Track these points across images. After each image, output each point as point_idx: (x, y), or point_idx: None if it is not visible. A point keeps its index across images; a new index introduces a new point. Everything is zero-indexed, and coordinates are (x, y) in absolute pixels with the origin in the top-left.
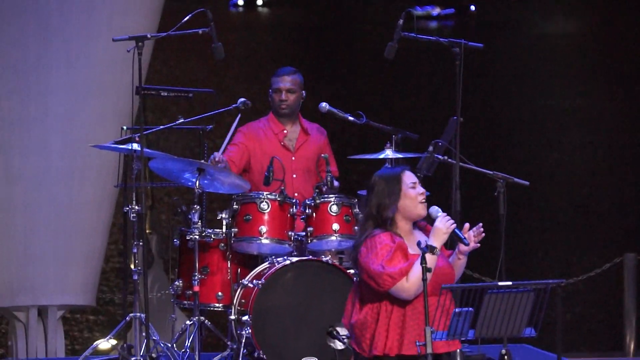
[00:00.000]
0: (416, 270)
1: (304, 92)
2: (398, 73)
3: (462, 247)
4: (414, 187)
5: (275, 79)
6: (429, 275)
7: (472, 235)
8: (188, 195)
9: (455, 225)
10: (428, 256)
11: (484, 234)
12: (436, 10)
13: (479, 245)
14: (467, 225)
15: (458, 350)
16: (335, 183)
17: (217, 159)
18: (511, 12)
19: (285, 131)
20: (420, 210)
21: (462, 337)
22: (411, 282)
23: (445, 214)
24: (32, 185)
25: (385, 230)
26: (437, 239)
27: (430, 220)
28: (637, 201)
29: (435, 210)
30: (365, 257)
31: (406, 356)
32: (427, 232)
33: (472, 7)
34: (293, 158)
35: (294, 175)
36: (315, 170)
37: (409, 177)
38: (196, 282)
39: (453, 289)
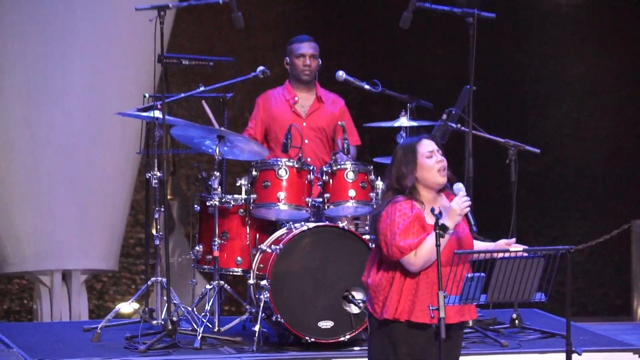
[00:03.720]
0: (426, 245)
1: (320, 60)
2: (413, 42)
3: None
4: (429, 157)
5: (297, 45)
6: (444, 242)
7: (503, 242)
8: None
9: (469, 208)
10: (439, 236)
11: (512, 246)
12: None
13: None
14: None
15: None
16: (352, 150)
17: None
18: None
19: (296, 98)
20: (439, 178)
21: (474, 301)
22: (419, 257)
23: (465, 194)
24: (56, 153)
25: (407, 197)
26: (451, 219)
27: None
28: None
29: (457, 188)
30: (383, 222)
31: (415, 323)
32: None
33: None
34: (304, 124)
35: (306, 141)
36: (328, 136)
37: (424, 147)
38: (216, 247)
39: (466, 254)
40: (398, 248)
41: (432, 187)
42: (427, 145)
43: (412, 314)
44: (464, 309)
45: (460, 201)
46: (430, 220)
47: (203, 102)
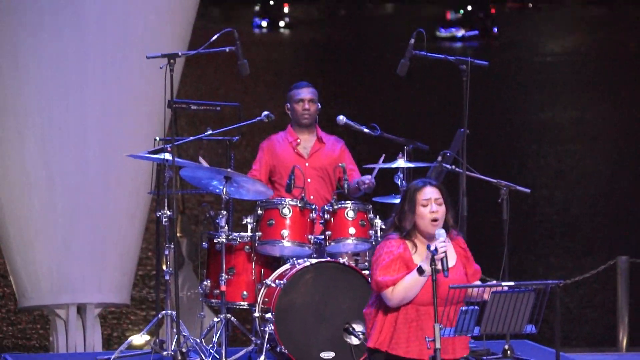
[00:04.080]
0: (403, 283)
1: (319, 104)
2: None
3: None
4: (425, 205)
5: (296, 91)
6: (422, 282)
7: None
8: (216, 202)
9: (444, 254)
10: (415, 276)
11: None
12: (460, 32)
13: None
14: None
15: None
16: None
17: None
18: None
19: (298, 140)
20: (429, 228)
21: (468, 333)
22: (395, 293)
23: (444, 239)
24: (72, 191)
25: (401, 236)
26: (427, 262)
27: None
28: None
29: (438, 234)
30: (374, 256)
31: (392, 355)
32: (456, 244)
33: (495, 29)
34: (307, 164)
35: (309, 180)
36: (329, 175)
37: (423, 194)
38: (223, 282)
39: (461, 288)
40: (376, 282)
41: (424, 234)
42: (426, 193)
43: (389, 345)
44: (455, 348)
45: (436, 246)
46: (418, 261)
47: (200, 157)
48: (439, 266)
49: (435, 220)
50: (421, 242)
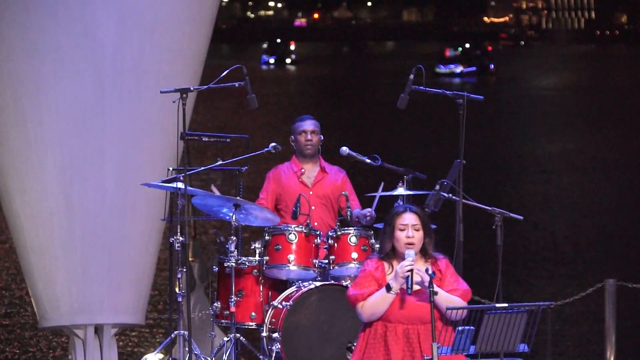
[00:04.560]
0: (372, 299)
1: (321, 135)
2: (409, 121)
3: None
4: (402, 230)
5: (299, 124)
6: (389, 300)
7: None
8: (226, 228)
9: (409, 273)
10: (383, 292)
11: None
12: (459, 68)
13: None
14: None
15: None
16: (361, 212)
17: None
18: (512, 69)
19: (303, 170)
20: (405, 251)
21: (464, 352)
22: (364, 308)
23: (412, 259)
24: (90, 219)
25: (380, 257)
26: (396, 280)
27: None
28: (616, 234)
29: (407, 254)
30: None
31: None
32: (435, 266)
33: (491, 66)
34: (311, 192)
35: (313, 208)
36: (332, 203)
37: (401, 219)
38: (232, 304)
39: (457, 309)
40: (348, 297)
41: (401, 257)
42: (404, 219)
43: None
44: None
45: (403, 264)
46: (390, 280)
47: (212, 186)
48: (403, 284)
49: (410, 244)
50: (398, 263)
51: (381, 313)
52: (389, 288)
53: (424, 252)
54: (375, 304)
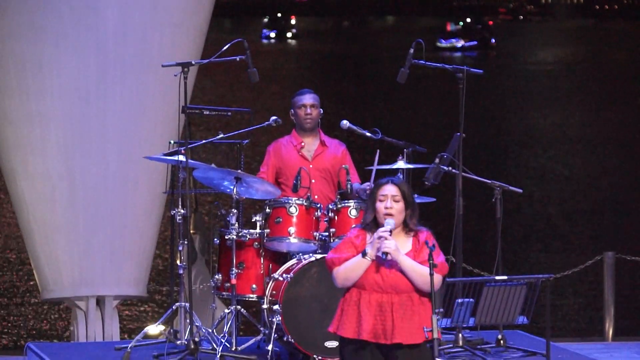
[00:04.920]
0: (347, 264)
1: (321, 109)
2: (409, 95)
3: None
4: (382, 201)
5: (299, 98)
6: (364, 266)
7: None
8: (227, 201)
9: (382, 239)
10: (358, 258)
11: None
12: (460, 43)
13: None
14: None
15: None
16: (355, 185)
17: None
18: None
19: (302, 143)
20: (383, 221)
21: (464, 324)
22: (339, 272)
23: (387, 229)
24: (93, 191)
25: (364, 227)
26: (372, 247)
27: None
28: (615, 208)
29: (386, 222)
30: None
31: (341, 336)
32: (415, 239)
33: (493, 40)
34: (311, 166)
35: (313, 181)
36: (332, 176)
37: (381, 190)
38: (233, 276)
39: (456, 282)
40: (326, 260)
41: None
42: (384, 190)
43: (339, 327)
44: (416, 331)
45: (378, 230)
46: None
47: (213, 164)
48: (376, 251)
49: (388, 214)
50: None
51: (355, 279)
52: (364, 254)
53: (405, 225)
54: (349, 269)
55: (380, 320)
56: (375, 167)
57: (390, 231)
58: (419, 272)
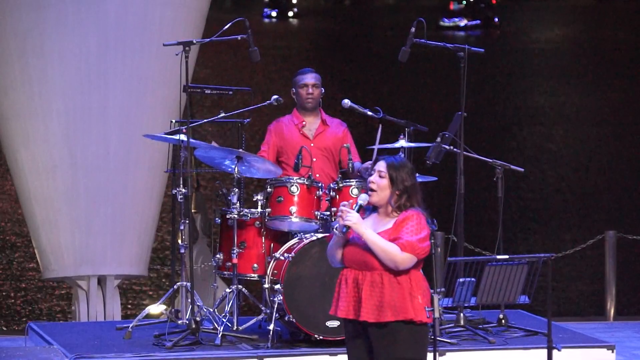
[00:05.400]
0: (330, 242)
1: (322, 88)
2: (411, 74)
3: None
4: (370, 175)
5: (300, 77)
6: (338, 242)
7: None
8: (228, 180)
9: (344, 212)
10: (335, 233)
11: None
12: (463, 22)
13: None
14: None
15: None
16: (357, 165)
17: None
18: (516, 22)
19: (304, 122)
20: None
21: (465, 303)
22: (327, 251)
23: (354, 202)
24: (93, 170)
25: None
26: (338, 220)
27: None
28: (616, 188)
29: (359, 197)
30: None
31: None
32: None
33: (496, 19)
34: (312, 145)
35: (314, 160)
36: (334, 155)
37: (375, 165)
38: (235, 255)
39: (458, 262)
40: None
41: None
42: (376, 165)
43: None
44: (383, 310)
45: (342, 203)
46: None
47: (213, 142)
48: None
49: (371, 189)
50: (380, 212)
51: (335, 255)
52: (331, 227)
53: (390, 205)
54: (329, 245)
55: (355, 298)
56: (377, 146)
57: (361, 206)
58: (382, 247)
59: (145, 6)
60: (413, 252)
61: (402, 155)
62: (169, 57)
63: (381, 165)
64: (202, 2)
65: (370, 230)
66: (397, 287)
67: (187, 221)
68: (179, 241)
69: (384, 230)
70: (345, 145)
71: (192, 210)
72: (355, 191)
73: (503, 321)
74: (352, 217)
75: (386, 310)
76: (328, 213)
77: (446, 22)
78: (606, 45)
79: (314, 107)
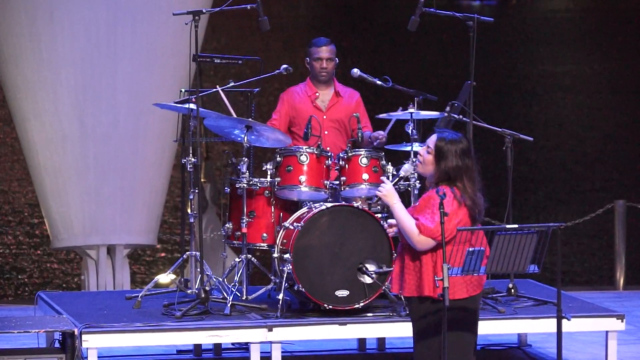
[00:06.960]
0: None
1: (337, 59)
2: (420, 43)
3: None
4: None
5: (315, 49)
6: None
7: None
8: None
9: (379, 191)
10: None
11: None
12: None
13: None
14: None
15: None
16: (367, 134)
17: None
18: None
19: (317, 94)
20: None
21: (474, 272)
22: None
23: (397, 173)
24: (103, 139)
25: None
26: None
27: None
28: (627, 157)
29: (403, 168)
30: None
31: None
32: (426, 199)
33: None
34: (324, 117)
35: (326, 132)
36: (346, 127)
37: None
38: (244, 225)
39: (467, 231)
40: None
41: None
42: (429, 138)
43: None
44: (421, 285)
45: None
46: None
47: (219, 88)
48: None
49: (419, 162)
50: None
51: (400, 229)
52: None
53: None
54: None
55: (400, 267)
56: (395, 115)
57: (400, 177)
58: (402, 221)
59: None
60: (431, 236)
61: (411, 125)
62: (179, 26)
63: (431, 140)
64: None
65: (400, 204)
66: (417, 264)
67: (196, 190)
68: (189, 211)
69: (413, 206)
70: (354, 114)
71: (202, 180)
72: (364, 160)
73: (512, 291)
74: (383, 189)
75: (409, 286)
76: (337, 182)
77: None
78: (618, 13)
79: (327, 80)
